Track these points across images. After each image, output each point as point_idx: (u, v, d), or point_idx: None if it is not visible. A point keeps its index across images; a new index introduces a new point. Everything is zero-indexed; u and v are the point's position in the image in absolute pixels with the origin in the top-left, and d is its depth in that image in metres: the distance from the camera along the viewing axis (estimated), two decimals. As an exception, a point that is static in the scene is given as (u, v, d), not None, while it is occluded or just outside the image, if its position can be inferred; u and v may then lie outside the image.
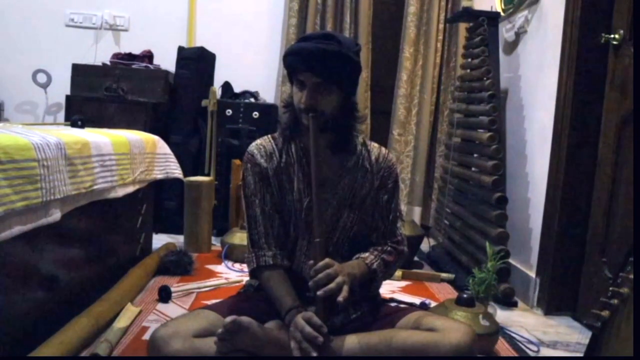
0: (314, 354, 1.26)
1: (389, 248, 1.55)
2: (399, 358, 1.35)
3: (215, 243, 3.00)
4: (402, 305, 1.57)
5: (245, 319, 1.29)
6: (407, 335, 1.37)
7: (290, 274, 1.49)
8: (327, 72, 1.38)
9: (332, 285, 1.30)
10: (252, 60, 3.68)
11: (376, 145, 1.60)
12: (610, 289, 1.35)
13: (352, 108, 1.50)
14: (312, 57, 1.37)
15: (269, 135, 1.57)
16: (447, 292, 2.44)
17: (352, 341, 1.37)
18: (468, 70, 2.95)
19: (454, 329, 1.37)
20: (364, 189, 1.53)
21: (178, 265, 2.41)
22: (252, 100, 3.44)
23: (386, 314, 1.53)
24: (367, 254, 1.51)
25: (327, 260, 1.34)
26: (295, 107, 1.46)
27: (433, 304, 2.14)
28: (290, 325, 1.32)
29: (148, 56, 3.41)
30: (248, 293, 1.58)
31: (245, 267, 2.62)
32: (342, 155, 1.52)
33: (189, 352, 1.28)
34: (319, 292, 1.30)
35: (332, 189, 1.51)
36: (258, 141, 1.55)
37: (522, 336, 1.97)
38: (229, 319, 1.27)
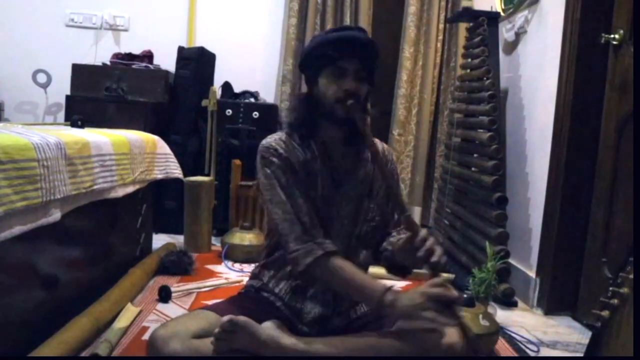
0: (453, 322, 1.28)
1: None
2: (396, 358, 1.35)
3: (215, 243, 3.00)
4: None
5: (242, 318, 1.29)
6: (405, 335, 1.38)
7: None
8: (369, 60, 1.42)
9: (439, 250, 1.33)
10: (252, 60, 3.68)
11: (376, 139, 1.60)
12: (610, 289, 1.35)
13: (367, 100, 1.52)
14: (358, 44, 1.41)
15: (280, 133, 1.50)
16: (447, 292, 2.44)
17: (350, 342, 1.37)
18: (468, 70, 2.94)
19: (450, 329, 1.37)
20: (378, 179, 1.54)
21: (178, 265, 2.41)
22: (252, 100, 3.44)
23: (383, 317, 1.52)
24: (396, 239, 1.51)
25: (425, 230, 1.37)
26: (328, 97, 1.42)
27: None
28: (393, 304, 1.29)
29: (148, 56, 3.41)
30: (249, 294, 1.57)
31: (244, 267, 2.64)
32: (357, 148, 1.52)
33: (188, 353, 1.28)
34: (433, 258, 1.31)
35: (350, 182, 1.50)
36: (272, 138, 1.47)
37: (522, 336, 1.97)
38: (225, 318, 1.28)
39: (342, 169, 1.50)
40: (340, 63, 1.41)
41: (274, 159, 1.43)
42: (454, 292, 1.29)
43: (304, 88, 3.77)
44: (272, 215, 1.42)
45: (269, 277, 1.53)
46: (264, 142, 1.47)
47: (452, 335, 1.37)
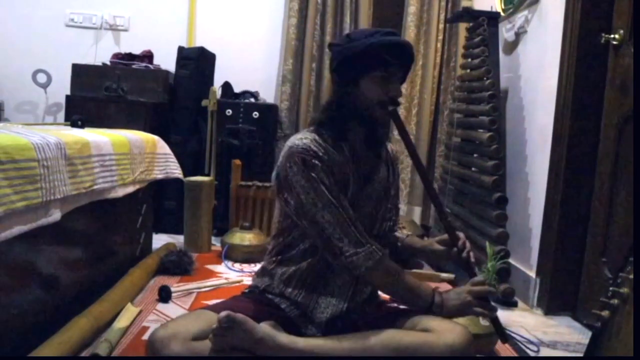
0: (493, 313, 1.45)
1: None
2: (394, 358, 1.35)
3: (215, 243, 3.00)
4: (402, 307, 1.57)
5: (239, 315, 1.29)
6: (402, 336, 1.38)
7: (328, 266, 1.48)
8: (410, 68, 1.49)
9: (469, 247, 1.52)
10: (252, 60, 3.68)
11: None
12: (610, 289, 1.35)
13: None
14: (406, 51, 1.45)
15: (310, 134, 1.45)
16: (447, 292, 2.44)
17: (348, 341, 1.37)
18: (468, 70, 2.94)
19: (448, 329, 1.38)
20: (391, 178, 1.59)
21: (178, 265, 2.41)
22: (252, 100, 3.44)
23: (387, 314, 1.53)
24: (405, 235, 1.66)
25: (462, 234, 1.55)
26: (370, 100, 1.43)
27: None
28: (442, 304, 1.43)
29: (148, 56, 3.41)
30: (252, 295, 1.56)
31: (244, 267, 2.64)
32: (378, 149, 1.54)
33: (187, 355, 1.28)
34: (464, 255, 1.50)
35: (373, 183, 1.53)
36: (307, 139, 1.42)
37: (522, 336, 1.97)
38: (223, 314, 1.27)
39: (366, 170, 1.52)
40: (391, 68, 1.43)
41: (316, 162, 1.39)
42: (491, 288, 1.48)
43: (304, 88, 3.76)
44: (317, 219, 1.38)
45: (281, 275, 1.51)
46: (298, 143, 1.42)
47: (453, 333, 1.37)
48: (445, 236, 1.56)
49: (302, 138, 1.43)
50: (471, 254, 1.51)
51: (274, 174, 1.50)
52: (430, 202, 3.72)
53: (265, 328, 1.35)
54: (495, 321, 1.50)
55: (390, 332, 1.40)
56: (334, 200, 1.38)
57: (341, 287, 1.49)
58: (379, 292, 1.62)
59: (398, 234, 1.66)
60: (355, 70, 1.44)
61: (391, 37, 1.43)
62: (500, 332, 1.52)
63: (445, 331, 1.37)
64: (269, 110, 3.36)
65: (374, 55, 1.41)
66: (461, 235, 1.53)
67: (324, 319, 1.47)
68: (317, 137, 1.44)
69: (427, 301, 1.44)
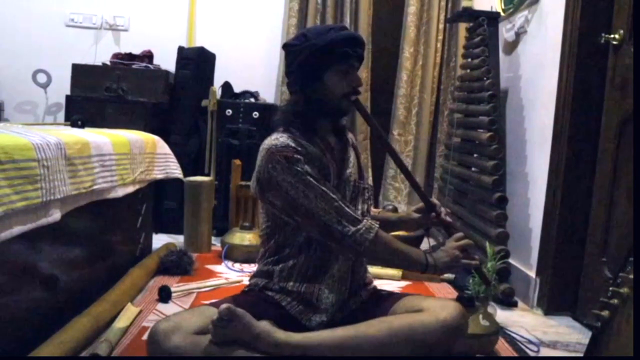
0: (476, 262, 1.59)
1: None
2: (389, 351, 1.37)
3: (215, 243, 3.00)
4: (396, 292, 1.62)
5: (239, 309, 1.32)
6: (394, 319, 1.42)
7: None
8: (363, 56, 1.57)
9: (444, 210, 1.69)
10: (252, 60, 3.68)
11: None
12: (610, 289, 1.35)
13: None
14: (361, 44, 1.52)
15: (282, 134, 1.48)
16: (447, 292, 2.44)
17: (342, 330, 1.40)
18: (468, 70, 2.94)
19: (440, 306, 1.42)
20: (359, 161, 1.66)
21: (178, 265, 2.41)
22: (252, 100, 3.44)
23: (381, 299, 1.58)
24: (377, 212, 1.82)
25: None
26: (336, 93, 1.49)
27: (433, 304, 2.13)
28: (435, 263, 1.51)
29: (148, 56, 3.41)
30: (252, 292, 1.57)
31: (244, 267, 2.64)
32: (341, 137, 1.61)
33: (188, 348, 1.29)
34: (442, 216, 1.65)
35: (348, 168, 1.58)
36: (283, 138, 1.45)
37: (522, 336, 1.97)
38: (223, 306, 1.30)
39: (339, 157, 1.57)
40: (350, 60, 1.48)
41: (299, 156, 1.43)
42: (470, 241, 1.60)
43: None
44: (312, 210, 1.42)
45: (280, 271, 1.52)
46: (275, 143, 1.44)
47: (445, 309, 1.40)
48: (421, 205, 1.69)
49: (277, 138, 1.47)
50: (448, 216, 1.68)
51: (253, 180, 1.52)
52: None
53: (263, 324, 1.37)
54: (478, 269, 1.69)
55: (384, 318, 1.44)
56: (323, 188, 1.43)
57: (341, 273, 1.53)
58: (371, 280, 1.69)
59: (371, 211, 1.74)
60: (319, 66, 1.48)
61: (347, 32, 1.52)
62: (484, 279, 1.76)
63: (437, 308, 1.41)
64: (269, 110, 3.36)
65: (336, 50, 1.46)
66: (435, 201, 1.69)
67: (330, 304, 1.50)
68: (288, 135, 1.48)
69: (422, 263, 1.51)
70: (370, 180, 3.60)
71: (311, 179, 1.42)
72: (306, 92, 1.50)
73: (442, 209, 1.67)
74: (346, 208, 1.44)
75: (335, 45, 1.46)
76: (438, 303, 1.46)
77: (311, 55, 1.47)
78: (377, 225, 1.47)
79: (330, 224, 1.42)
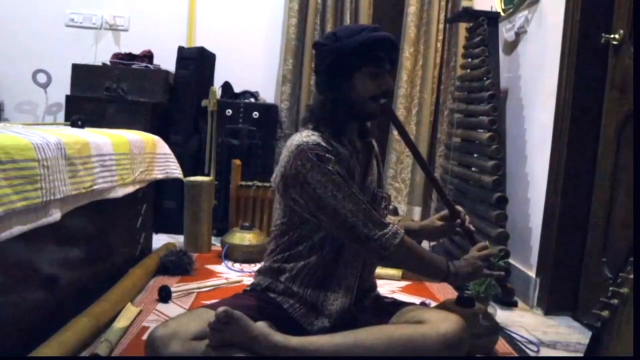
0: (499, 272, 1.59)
1: None
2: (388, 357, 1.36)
3: (215, 243, 3.00)
4: (399, 300, 1.60)
5: (237, 312, 1.29)
6: (394, 329, 1.40)
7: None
8: (397, 61, 1.57)
9: (469, 218, 1.68)
10: (252, 60, 3.68)
11: None
12: (610, 289, 1.35)
13: None
14: (393, 46, 1.49)
15: (311, 132, 1.46)
16: (447, 292, 2.44)
17: (340, 336, 1.38)
18: (468, 70, 2.95)
19: (441, 319, 1.39)
20: (380, 169, 1.66)
21: (178, 265, 2.41)
22: (252, 100, 3.44)
23: (383, 308, 1.56)
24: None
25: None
26: (364, 95, 1.47)
27: (433, 304, 2.13)
28: (457, 272, 1.50)
29: (148, 56, 3.41)
30: (253, 293, 1.56)
31: (244, 267, 2.64)
32: (367, 141, 1.60)
33: (187, 355, 1.28)
34: (466, 225, 1.65)
35: (371, 173, 1.58)
36: (313, 137, 1.44)
37: (522, 336, 1.97)
38: (220, 309, 1.28)
39: (364, 162, 1.56)
40: (382, 63, 1.47)
41: (329, 156, 1.41)
42: (494, 250, 1.61)
43: (304, 88, 3.77)
44: (339, 210, 1.40)
45: (290, 270, 1.51)
46: (307, 140, 1.42)
47: (446, 323, 1.37)
48: (444, 212, 1.67)
49: (309, 135, 1.44)
50: (471, 224, 1.67)
51: (276, 175, 1.49)
52: (430, 202, 3.73)
53: (260, 326, 1.35)
54: (500, 280, 1.72)
55: (385, 326, 1.42)
56: (352, 189, 1.42)
57: (348, 280, 1.52)
58: (375, 285, 1.68)
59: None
60: (348, 67, 1.46)
61: (379, 33, 1.48)
62: (504, 289, 1.89)
63: (439, 321, 1.37)
64: (269, 110, 3.36)
65: (366, 52, 1.44)
66: (460, 208, 1.67)
67: (334, 310, 1.49)
68: (318, 134, 1.45)
69: (444, 271, 1.49)
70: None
71: (341, 179, 1.41)
72: (336, 92, 1.48)
73: (467, 217, 1.65)
74: (372, 212, 1.43)
75: (367, 47, 1.43)
76: (440, 316, 1.42)
77: (340, 57, 1.45)
78: (403, 231, 1.45)
79: (356, 226, 1.40)
